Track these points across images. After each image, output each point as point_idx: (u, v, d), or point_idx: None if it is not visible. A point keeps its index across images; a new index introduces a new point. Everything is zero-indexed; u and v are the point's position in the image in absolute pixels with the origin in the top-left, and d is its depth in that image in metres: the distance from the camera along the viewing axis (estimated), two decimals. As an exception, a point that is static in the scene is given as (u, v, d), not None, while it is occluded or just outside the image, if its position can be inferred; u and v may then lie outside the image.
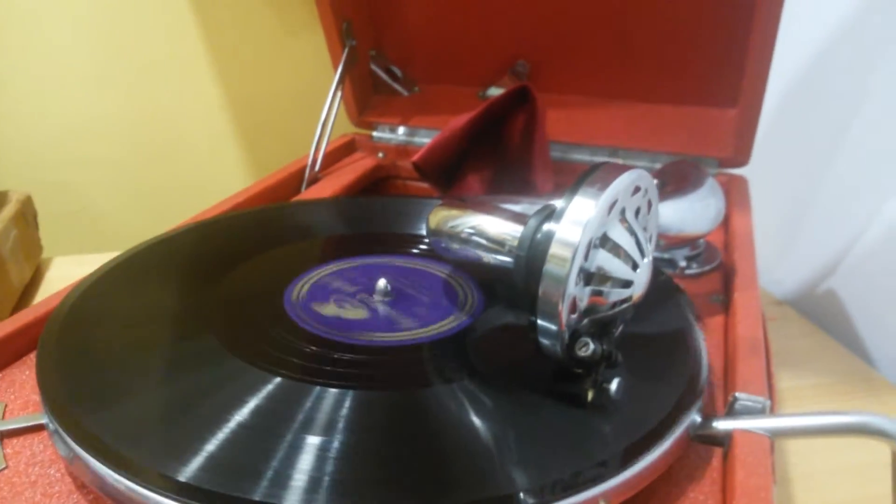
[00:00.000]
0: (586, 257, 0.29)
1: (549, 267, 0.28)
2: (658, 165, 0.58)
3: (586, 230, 0.28)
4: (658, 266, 0.47)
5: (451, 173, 0.61)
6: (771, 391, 0.41)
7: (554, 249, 0.28)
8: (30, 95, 0.85)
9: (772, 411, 0.37)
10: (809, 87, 0.72)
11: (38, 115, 0.87)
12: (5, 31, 0.82)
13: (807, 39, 0.71)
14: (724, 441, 0.33)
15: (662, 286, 0.42)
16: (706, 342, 0.38)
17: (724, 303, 0.46)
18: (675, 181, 0.46)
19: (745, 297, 0.43)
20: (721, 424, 0.34)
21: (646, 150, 0.64)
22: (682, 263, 0.48)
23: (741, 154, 0.61)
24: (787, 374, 0.60)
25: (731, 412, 0.35)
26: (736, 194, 0.58)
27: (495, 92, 0.69)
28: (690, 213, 0.41)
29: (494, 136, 0.61)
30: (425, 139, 0.68)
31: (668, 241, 0.43)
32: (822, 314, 0.68)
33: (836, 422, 0.33)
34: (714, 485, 0.32)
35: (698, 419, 0.33)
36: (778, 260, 0.75)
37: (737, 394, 0.35)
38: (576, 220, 0.28)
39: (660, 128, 0.65)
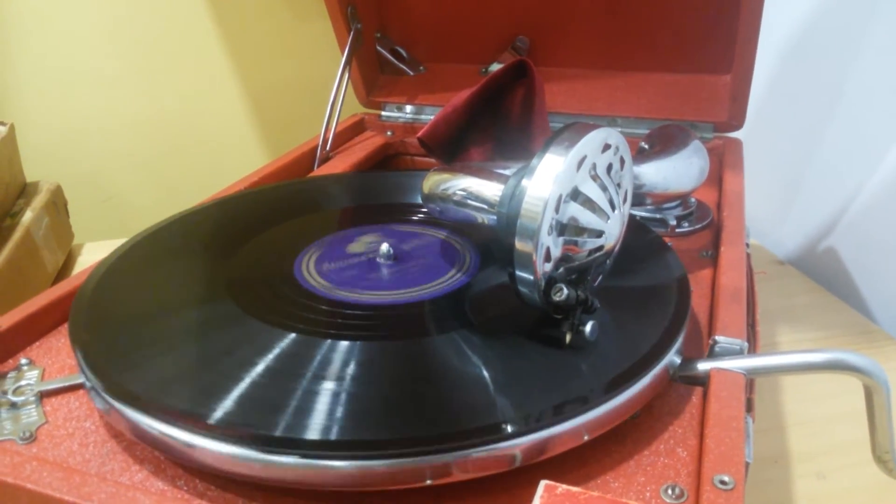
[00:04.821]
0: (557, 210, 0.31)
1: (523, 220, 0.31)
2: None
3: (556, 184, 0.30)
4: (649, 225, 0.49)
5: (454, 147, 0.63)
6: (753, 336, 0.43)
7: (526, 203, 0.30)
8: (58, 93, 0.90)
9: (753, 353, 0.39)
10: (803, 50, 0.73)
11: (67, 111, 0.91)
12: (38, 34, 0.86)
13: (799, 2, 0.72)
14: (704, 380, 0.36)
15: (650, 243, 0.45)
16: (692, 293, 0.40)
17: (713, 257, 0.48)
18: (661, 143, 0.48)
19: (730, 251, 0.45)
20: (702, 365, 0.36)
21: (644, 118, 0.66)
22: (673, 222, 0.50)
23: (735, 118, 0.62)
24: (788, 328, 0.62)
25: (711, 354, 0.37)
26: (730, 156, 0.60)
27: (496, 68, 0.71)
28: (673, 173, 0.43)
29: (495, 109, 0.63)
30: (432, 116, 0.71)
31: (655, 199, 0.45)
32: (821, 271, 0.70)
33: (810, 359, 0.35)
34: (693, 419, 0.34)
35: (677, 360, 0.36)
36: (779, 221, 0.76)
37: (716, 337, 0.37)
38: (546, 176, 0.31)
39: (657, 96, 0.67)
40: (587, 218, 0.32)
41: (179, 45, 0.90)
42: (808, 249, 0.73)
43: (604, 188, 0.33)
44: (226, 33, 0.91)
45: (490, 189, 0.35)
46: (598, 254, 0.33)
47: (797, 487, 0.45)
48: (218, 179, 0.62)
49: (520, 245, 0.31)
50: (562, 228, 0.32)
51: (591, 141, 0.32)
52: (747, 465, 0.31)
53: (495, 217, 0.35)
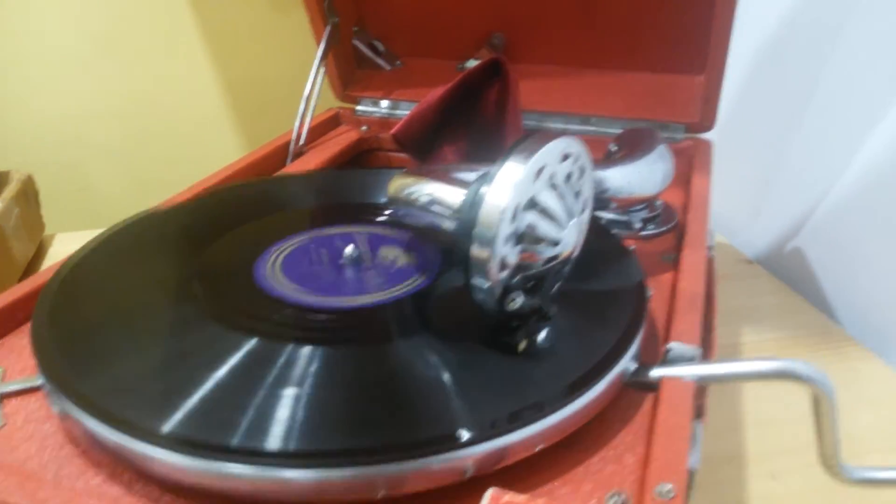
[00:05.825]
0: (515, 218, 0.32)
1: (479, 228, 0.31)
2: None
3: (513, 193, 0.31)
4: (614, 227, 0.50)
5: (428, 145, 0.63)
6: (710, 343, 0.44)
7: (482, 212, 0.31)
8: (29, 81, 0.89)
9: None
10: (776, 52, 0.74)
11: (39, 99, 0.90)
12: (6, 19, 0.85)
13: (772, 5, 0.72)
14: (656, 387, 0.36)
15: (610, 247, 0.45)
16: (651, 298, 0.41)
17: (675, 261, 0.49)
18: (628, 147, 0.48)
19: (691, 255, 0.46)
20: (654, 372, 0.36)
21: (617, 118, 0.66)
22: (638, 225, 0.51)
23: (707, 119, 0.63)
24: (751, 328, 0.63)
25: (664, 361, 0.38)
26: (699, 158, 0.60)
27: (473, 64, 0.71)
28: (637, 177, 0.44)
29: (469, 108, 0.63)
30: (407, 112, 0.71)
31: (620, 203, 0.45)
32: (788, 271, 0.71)
33: (759, 368, 0.35)
34: (643, 426, 0.35)
35: (631, 367, 0.36)
36: (749, 221, 0.77)
37: (671, 343, 0.38)
38: (504, 184, 0.31)
39: (630, 95, 0.67)
40: (544, 227, 0.33)
41: (155, 35, 0.90)
42: (775, 249, 0.74)
43: (562, 197, 0.34)
44: (203, 23, 0.90)
45: (453, 195, 0.36)
46: (554, 262, 0.34)
47: (750, 488, 0.46)
48: (193, 171, 0.62)
49: (476, 252, 0.31)
50: (519, 237, 0.32)
51: (551, 150, 0.32)
52: (693, 471, 0.31)
53: (457, 223, 0.35)
